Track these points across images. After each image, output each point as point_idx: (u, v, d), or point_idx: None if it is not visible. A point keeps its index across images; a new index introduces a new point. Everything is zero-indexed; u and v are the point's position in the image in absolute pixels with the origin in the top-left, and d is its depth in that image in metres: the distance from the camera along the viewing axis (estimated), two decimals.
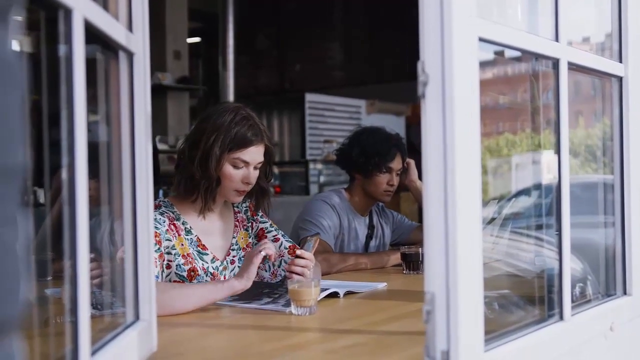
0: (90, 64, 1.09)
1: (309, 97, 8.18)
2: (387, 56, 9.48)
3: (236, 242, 2.40)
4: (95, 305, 1.35)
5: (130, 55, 1.37)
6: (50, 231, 2.10)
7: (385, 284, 2.42)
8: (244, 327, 1.81)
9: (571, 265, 1.60)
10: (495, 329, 1.38)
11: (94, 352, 1.11)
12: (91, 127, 1.13)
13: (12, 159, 0.61)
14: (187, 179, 2.25)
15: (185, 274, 2.20)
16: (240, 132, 2.20)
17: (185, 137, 2.34)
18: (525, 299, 1.76)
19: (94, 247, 1.15)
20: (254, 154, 2.25)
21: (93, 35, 1.13)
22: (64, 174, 1.02)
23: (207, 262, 2.27)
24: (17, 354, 0.63)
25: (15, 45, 0.63)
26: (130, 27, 1.37)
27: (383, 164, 3.03)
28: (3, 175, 0.59)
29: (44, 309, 1.45)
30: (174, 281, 2.18)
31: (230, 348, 1.65)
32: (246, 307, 1.99)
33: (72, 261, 1.03)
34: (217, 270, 2.29)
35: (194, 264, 2.22)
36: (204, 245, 2.28)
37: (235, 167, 2.23)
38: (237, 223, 2.43)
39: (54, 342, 1.26)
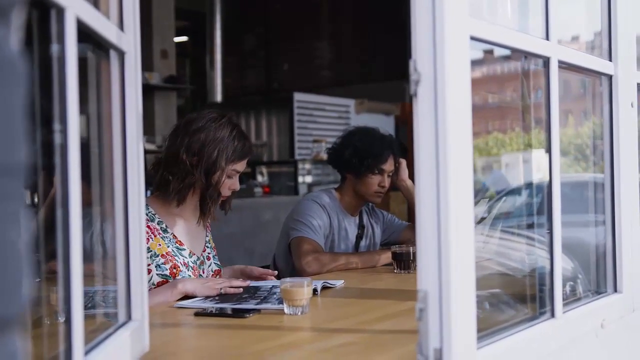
0: (81, 63, 1.09)
1: (298, 96, 8.17)
2: (376, 55, 9.51)
3: (208, 240, 2.51)
4: (86, 305, 1.35)
5: (121, 54, 1.37)
6: (40, 232, 2.09)
7: (342, 281, 2.43)
8: (236, 327, 1.81)
9: (562, 264, 1.60)
10: (488, 327, 1.38)
11: (86, 352, 1.11)
12: (81, 127, 1.13)
13: (16, 157, 0.61)
14: (187, 187, 2.30)
15: (167, 272, 2.27)
16: (239, 146, 2.35)
17: (175, 140, 2.34)
18: (517, 297, 1.77)
19: (84, 248, 1.14)
20: (245, 164, 2.42)
21: (84, 34, 1.12)
22: (57, 175, 1.01)
23: (185, 257, 2.35)
24: (20, 352, 0.63)
25: (17, 45, 0.63)
26: (121, 26, 1.37)
27: (376, 165, 3.02)
28: (8, 173, 0.60)
29: (34, 310, 1.44)
30: (158, 283, 2.21)
31: (223, 348, 1.65)
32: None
33: (64, 262, 1.02)
34: (196, 265, 2.38)
35: (174, 261, 2.30)
36: (180, 241, 2.36)
37: (229, 177, 2.36)
38: (207, 224, 2.53)
39: (45, 342, 1.25)
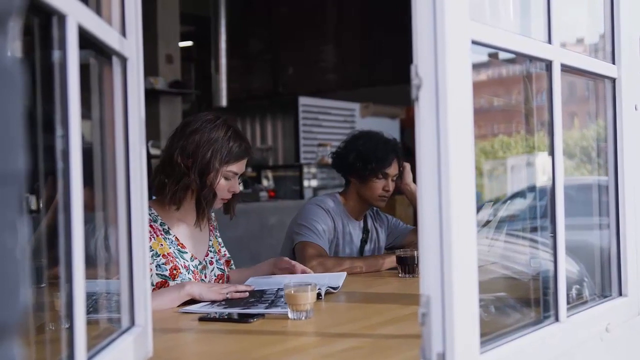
0: (83, 69, 1.09)
1: (303, 100, 8.18)
2: (381, 59, 9.49)
3: (212, 244, 2.51)
4: (89, 310, 1.35)
5: (123, 60, 1.37)
6: (45, 238, 2.10)
7: (344, 273, 2.47)
8: (240, 332, 1.81)
9: (567, 268, 1.60)
10: (492, 331, 1.38)
11: (89, 358, 1.11)
12: (84, 133, 1.13)
13: (13, 165, 0.62)
14: (182, 189, 2.31)
15: (167, 273, 2.28)
16: (235, 147, 2.34)
17: (172, 143, 2.36)
18: (521, 301, 1.77)
19: (88, 254, 1.15)
20: (243, 165, 2.41)
21: (86, 40, 1.13)
22: (59, 181, 1.02)
23: (187, 260, 2.35)
24: (18, 358, 0.63)
25: (14, 52, 0.64)
26: (123, 32, 1.37)
27: (380, 169, 3.02)
28: (4, 180, 0.60)
29: (38, 316, 1.44)
30: (157, 283, 2.23)
31: (227, 353, 1.65)
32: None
33: (67, 267, 1.03)
34: (197, 269, 2.38)
35: (175, 262, 2.30)
36: (182, 244, 2.37)
37: (226, 178, 2.36)
38: (211, 228, 2.54)
39: (49, 348, 1.25)
